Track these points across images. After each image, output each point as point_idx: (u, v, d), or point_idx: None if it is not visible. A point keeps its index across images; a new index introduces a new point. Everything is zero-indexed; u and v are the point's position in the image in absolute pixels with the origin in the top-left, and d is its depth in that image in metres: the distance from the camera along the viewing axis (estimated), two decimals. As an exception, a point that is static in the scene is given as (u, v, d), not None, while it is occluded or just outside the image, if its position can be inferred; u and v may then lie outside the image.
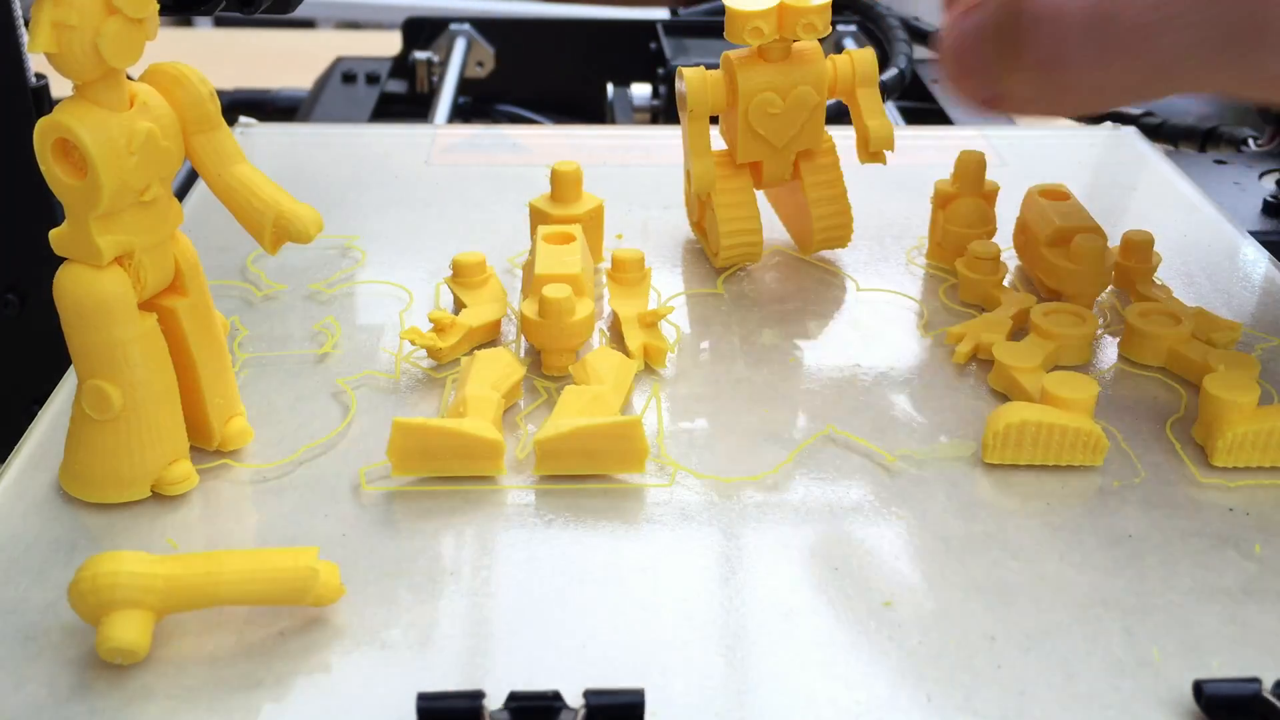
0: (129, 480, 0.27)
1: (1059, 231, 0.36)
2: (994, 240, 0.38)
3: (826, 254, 0.40)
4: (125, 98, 0.25)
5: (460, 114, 0.69)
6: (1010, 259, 0.39)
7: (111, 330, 0.26)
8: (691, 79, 0.35)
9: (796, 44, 0.35)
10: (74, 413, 0.27)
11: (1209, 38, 0.26)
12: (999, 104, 0.31)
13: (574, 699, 0.22)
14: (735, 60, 0.35)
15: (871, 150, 0.37)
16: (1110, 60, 0.27)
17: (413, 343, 0.33)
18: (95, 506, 0.28)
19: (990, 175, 0.39)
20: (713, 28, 0.71)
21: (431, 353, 0.33)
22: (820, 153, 0.38)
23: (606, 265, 0.38)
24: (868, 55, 0.37)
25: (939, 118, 0.62)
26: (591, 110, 0.72)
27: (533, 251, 0.35)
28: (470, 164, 0.47)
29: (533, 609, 0.25)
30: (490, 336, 0.34)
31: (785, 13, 0.34)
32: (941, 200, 0.39)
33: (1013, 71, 0.29)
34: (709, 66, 0.36)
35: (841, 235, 0.38)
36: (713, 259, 0.38)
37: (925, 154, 0.47)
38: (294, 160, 0.47)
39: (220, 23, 1.11)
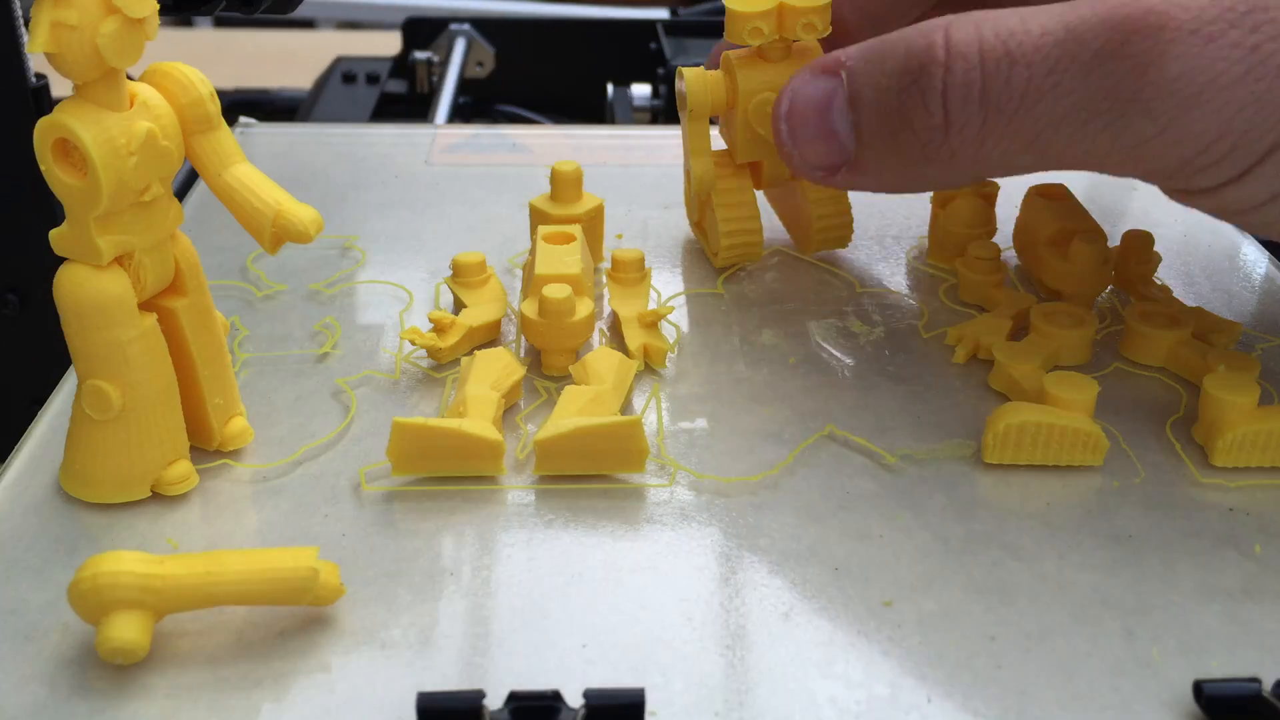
0: (129, 480, 0.27)
1: (1059, 231, 0.36)
2: (994, 240, 0.38)
3: (826, 254, 0.40)
4: (125, 98, 0.25)
5: (460, 114, 0.70)
6: (1010, 259, 0.39)
7: (111, 330, 0.26)
8: (691, 79, 0.35)
9: (796, 43, 0.35)
10: (74, 413, 0.27)
11: (1086, 103, 0.27)
12: (844, 175, 0.31)
13: (574, 699, 0.22)
14: (735, 60, 0.35)
15: None
16: (990, 130, 0.28)
17: (413, 343, 0.33)
18: (95, 506, 0.28)
19: (990, 175, 0.39)
20: (713, 28, 0.71)
21: (431, 353, 0.33)
22: None
23: (606, 265, 0.38)
24: None
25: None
26: (591, 110, 0.72)
27: (533, 251, 0.35)
28: (470, 164, 0.47)
29: (533, 609, 0.25)
30: (490, 336, 0.34)
31: (785, 13, 0.34)
32: (941, 200, 0.39)
33: (880, 139, 0.30)
34: (709, 66, 0.36)
35: (841, 235, 0.38)
36: (713, 259, 0.38)
37: (925, 154, 0.47)
38: (294, 160, 0.47)
39: (220, 23, 1.11)
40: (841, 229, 0.38)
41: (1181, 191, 0.28)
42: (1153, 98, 0.26)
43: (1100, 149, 0.27)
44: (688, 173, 0.38)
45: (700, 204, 0.38)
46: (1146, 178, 0.28)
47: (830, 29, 0.34)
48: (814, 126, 0.31)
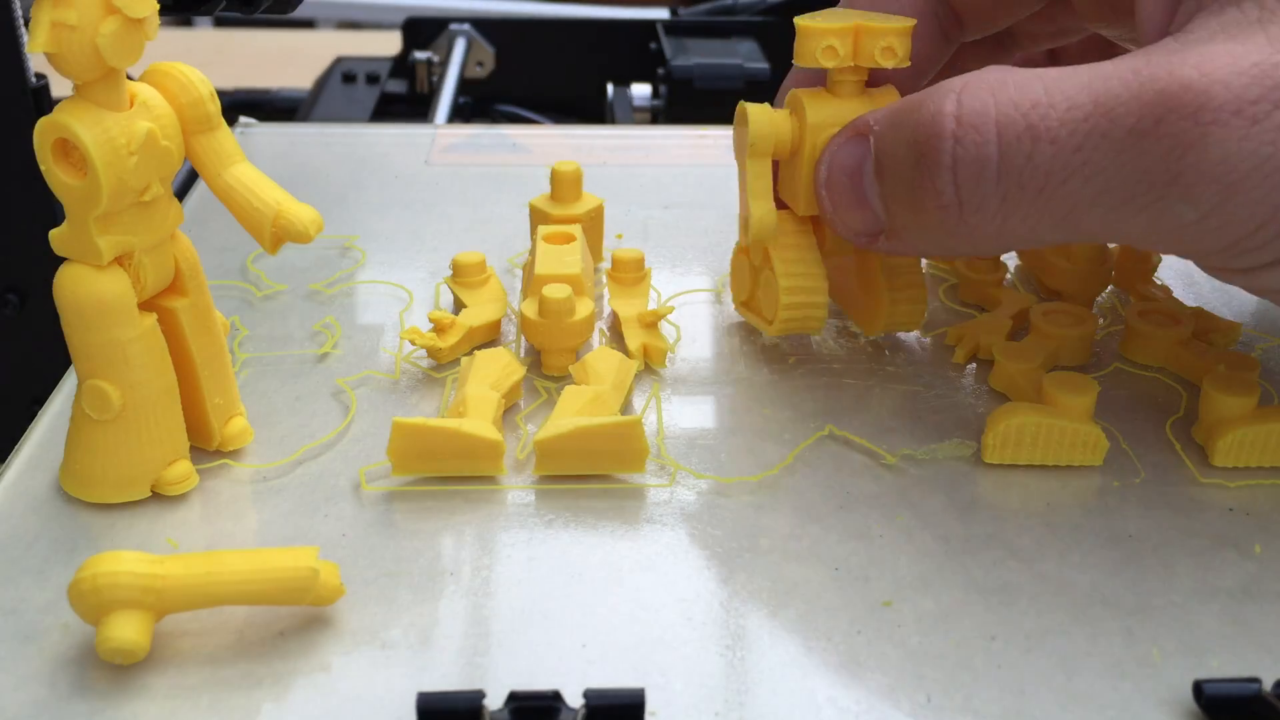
0: (129, 480, 0.27)
1: (1059, 231, 0.36)
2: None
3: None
4: (125, 98, 0.25)
5: (460, 114, 0.70)
6: (1010, 259, 0.39)
7: (111, 330, 0.26)
8: (755, 113, 0.31)
9: (872, 87, 0.32)
10: (74, 413, 0.27)
11: (1119, 185, 0.25)
12: (884, 242, 0.29)
13: (574, 699, 0.22)
14: (805, 95, 0.31)
15: None
16: (1013, 209, 0.26)
17: (413, 343, 0.33)
18: (95, 506, 0.28)
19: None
20: (713, 28, 0.71)
21: (431, 353, 0.33)
22: None
23: (606, 265, 0.38)
24: None
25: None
26: (591, 110, 0.72)
27: (533, 251, 0.35)
28: (470, 164, 0.47)
29: (533, 609, 0.25)
30: (490, 336, 0.34)
31: (862, 34, 0.30)
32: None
33: (905, 211, 0.28)
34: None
35: (912, 318, 0.33)
36: (765, 327, 0.33)
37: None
38: (294, 160, 0.47)
39: (220, 23, 1.11)
40: (914, 305, 0.33)
41: (1217, 269, 0.27)
42: (1193, 182, 0.24)
43: (1136, 229, 0.25)
44: (735, 255, 0.35)
45: (751, 274, 0.34)
46: (1183, 256, 0.27)
47: (910, 61, 0.30)
48: (849, 195, 0.29)
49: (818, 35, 0.30)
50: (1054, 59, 0.38)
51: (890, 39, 0.30)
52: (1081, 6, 0.31)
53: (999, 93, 0.25)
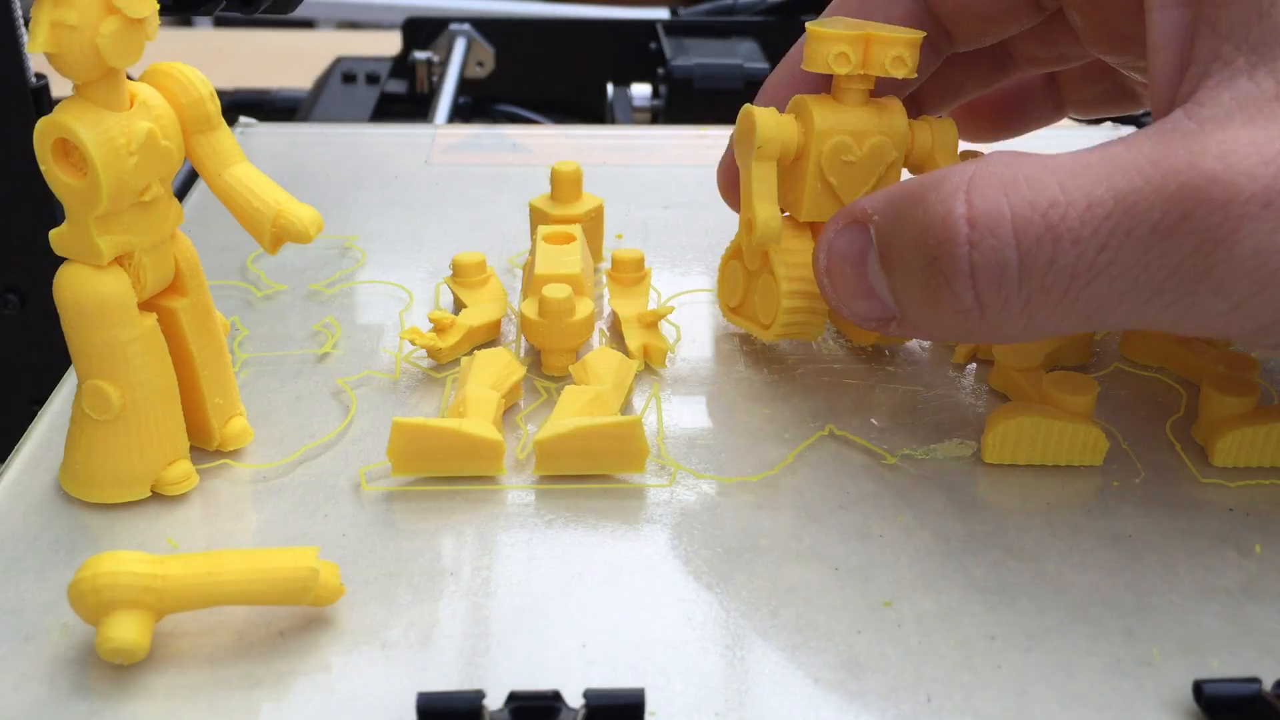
0: (129, 480, 0.27)
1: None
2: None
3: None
4: (125, 98, 0.25)
5: (460, 114, 0.70)
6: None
7: (111, 330, 0.26)
8: (762, 116, 0.31)
9: (876, 96, 0.32)
10: (74, 413, 0.27)
11: (1146, 282, 0.24)
12: (896, 328, 0.28)
13: (574, 699, 0.22)
14: (811, 99, 0.31)
15: None
16: (1037, 310, 0.25)
17: (413, 343, 0.33)
18: (95, 506, 0.28)
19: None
20: (713, 28, 0.71)
21: (431, 353, 0.33)
22: None
23: (606, 265, 0.38)
24: (948, 126, 0.32)
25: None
26: (591, 110, 0.72)
27: (533, 251, 0.35)
28: (470, 164, 0.47)
29: (533, 609, 0.25)
30: (490, 336, 0.34)
31: (872, 42, 0.30)
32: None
33: (919, 307, 0.27)
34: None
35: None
36: (760, 332, 0.33)
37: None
38: (294, 160, 0.47)
39: (220, 23, 1.11)
40: None
41: (1248, 345, 0.26)
42: (1224, 276, 0.23)
43: (1165, 320, 0.24)
44: (725, 261, 0.35)
45: (746, 278, 0.34)
46: (1214, 337, 0.26)
47: (916, 73, 0.30)
48: (853, 284, 0.28)
49: (830, 41, 0.30)
50: (1054, 82, 0.37)
51: (900, 49, 0.30)
52: (1085, 33, 0.31)
53: (1011, 191, 0.24)
